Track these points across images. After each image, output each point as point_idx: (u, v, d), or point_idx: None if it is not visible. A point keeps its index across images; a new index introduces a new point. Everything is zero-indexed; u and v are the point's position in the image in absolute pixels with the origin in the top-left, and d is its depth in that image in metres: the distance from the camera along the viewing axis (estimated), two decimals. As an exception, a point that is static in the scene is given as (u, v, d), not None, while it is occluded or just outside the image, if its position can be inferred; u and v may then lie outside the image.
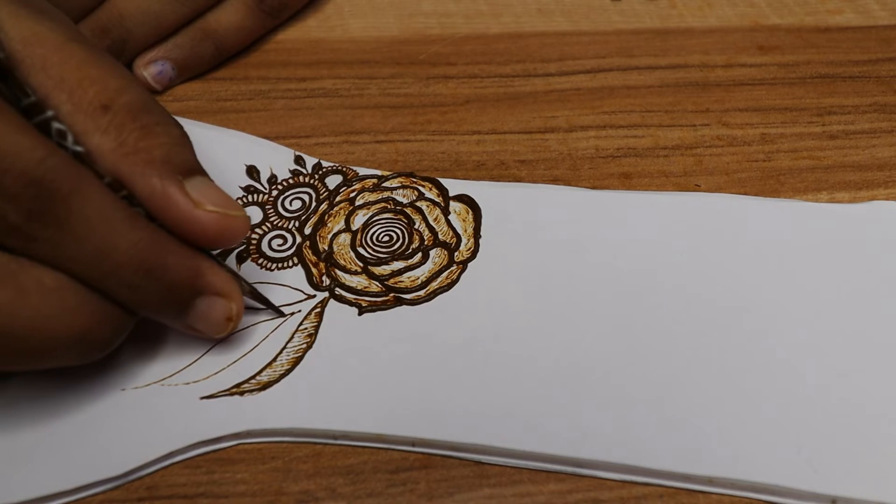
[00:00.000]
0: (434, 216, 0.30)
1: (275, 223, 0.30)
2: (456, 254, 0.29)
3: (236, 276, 0.26)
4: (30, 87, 0.23)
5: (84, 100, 0.23)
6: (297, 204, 0.31)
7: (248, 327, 0.27)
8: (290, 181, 0.31)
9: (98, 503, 0.23)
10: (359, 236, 0.30)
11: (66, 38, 0.24)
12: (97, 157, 0.23)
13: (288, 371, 0.26)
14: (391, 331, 0.27)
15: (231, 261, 0.29)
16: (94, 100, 0.23)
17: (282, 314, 0.27)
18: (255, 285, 0.27)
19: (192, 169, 0.24)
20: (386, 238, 0.29)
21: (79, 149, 0.23)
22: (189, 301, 0.24)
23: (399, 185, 0.31)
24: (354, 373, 0.26)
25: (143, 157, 0.23)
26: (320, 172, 0.32)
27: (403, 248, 0.29)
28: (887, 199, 0.31)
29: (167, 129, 0.24)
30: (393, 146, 0.33)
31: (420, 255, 0.29)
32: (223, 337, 0.26)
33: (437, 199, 0.31)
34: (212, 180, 0.25)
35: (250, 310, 0.27)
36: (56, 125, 0.22)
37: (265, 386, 0.25)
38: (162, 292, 0.23)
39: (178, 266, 0.23)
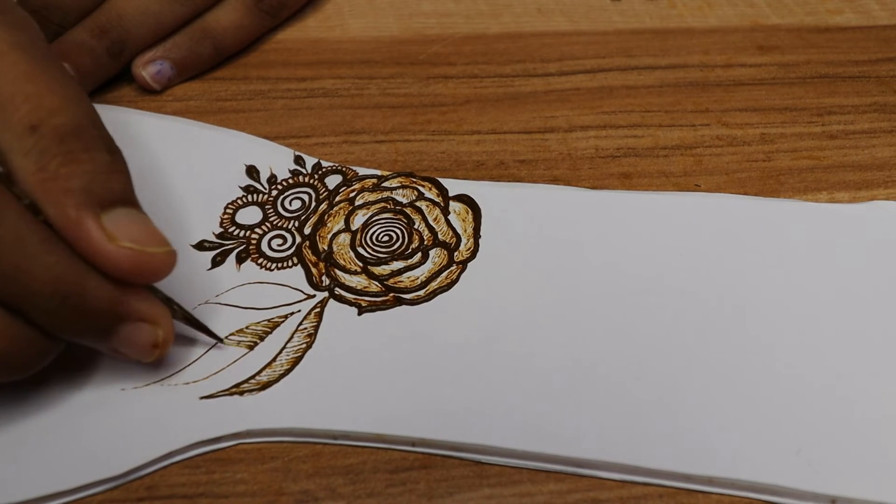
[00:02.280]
0: (434, 216, 0.30)
1: (274, 223, 0.30)
2: (455, 254, 0.29)
3: (168, 301, 0.25)
4: None
5: (14, 117, 0.22)
6: (296, 204, 0.31)
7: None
8: (290, 181, 0.31)
9: (98, 503, 0.23)
10: (358, 236, 0.30)
11: (10, 45, 0.23)
12: (17, 179, 0.22)
13: (288, 371, 0.26)
14: (391, 331, 0.27)
15: (230, 261, 0.29)
16: (24, 119, 0.22)
17: (219, 339, 0.26)
18: (191, 313, 0.26)
19: (116, 200, 0.23)
20: (385, 238, 0.29)
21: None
22: (111, 327, 0.23)
23: (399, 185, 0.31)
24: (354, 373, 0.26)
25: (62, 185, 0.22)
26: (320, 172, 0.32)
27: (403, 248, 0.29)
28: (887, 199, 0.31)
29: (94, 155, 0.23)
30: (393, 146, 0.33)
31: (420, 255, 0.29)
32: (153, 361, 0.25)
33: (436, 199, 0.31)
34: (140, 212, 0.24)
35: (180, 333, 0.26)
36: None
37: (265, 386, 0.25)
38: (80, 318, 0.22)
39: (98, 292, 0.22)
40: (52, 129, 0.22)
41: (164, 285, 0.27)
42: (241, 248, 0.29)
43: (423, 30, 0.39)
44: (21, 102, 0.22)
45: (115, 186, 0.23)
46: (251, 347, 0.26)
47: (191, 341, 0.26)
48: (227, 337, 0.26)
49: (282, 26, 0.39)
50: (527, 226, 0.29)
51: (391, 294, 0.28)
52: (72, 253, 0.22)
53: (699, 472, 0.23)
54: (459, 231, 0.30)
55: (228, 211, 0.30)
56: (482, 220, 0.30)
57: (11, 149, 0.22)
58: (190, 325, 0.26)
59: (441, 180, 0.31)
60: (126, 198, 0.23)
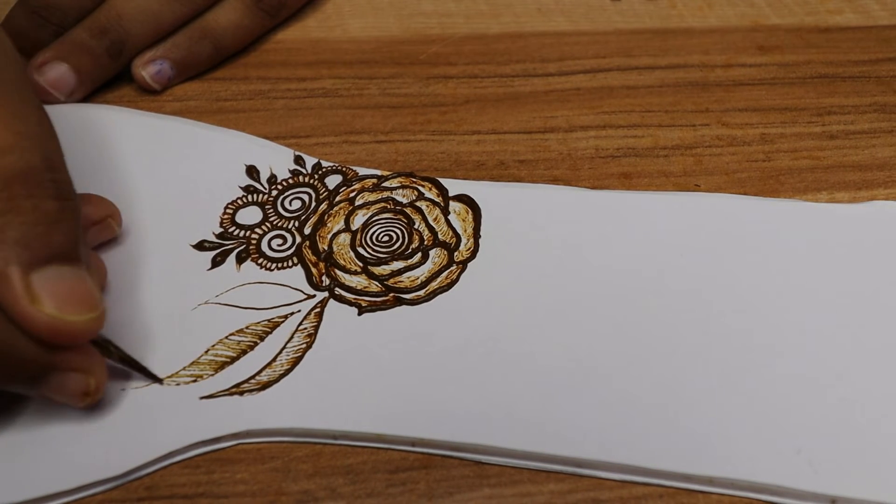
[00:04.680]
0: (434, 216, 0.30)
1: (274, 223, 0.30)
2: (456, 254, 0.29)
3: (104, 343, 0.24)
4: None
5: None
6: (296, 204, 0.31)
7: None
8: (290, 181, 0.31)
9: (98, 503, 0.23)
10: (358, 236, 0.30)
11: None
12: None
13: (288, 371, 0.26)
14: (391, 331, 0.27)
15: (230, 261, 0.29)
16: None
17: (158, 380, 0.25)
18: (127, 354, 0.25)
19: (52, 256, 0.22)
20: (386, 238, 0.29)
21: None
22: (40, 377, 0.23)
23: (399, 185, 0.31)
24: (354, 373, 0.26)
25: None
26: (320, 172, 0.32)
27: (403, 248, 0.29)
28: (887, 199, 0.31)
29: (38, 203, 0.22)
30: (393, 146, 0.33)
31: (420, 255, 0.29)
32: (83, 407, 0.24)
33: (436, 199, 0.31)
34: (76, 269, 0.22)
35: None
36: None
37: (265, 386, 0.25)
38: (8, 369, 0.22)
39: (25, 344, 0.22)
40: None
41: (162, 285, 0.28)
42: (241, 248, 0.29)
43: (424, 30, 0.39)
44: None
45: (53, 240, 0.22)
46: (251, 347, 0.26)
47: (191, 341, 0.26)
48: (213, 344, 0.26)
49: (282, 26, 0.39)
50: (527, 226, 0.29)
51: (391, 294, 0.28)
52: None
53: (699, 472, 0.23)
54: (459, 231, 0.30)
55: (228, 211, 0.30)
56: (482, 220, 0.30)
57: None
58: (127, 367, 0.25)
59: (441, 180, 0.31)
60: (63, 253, 0.22)
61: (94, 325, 0.22)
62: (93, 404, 0.24)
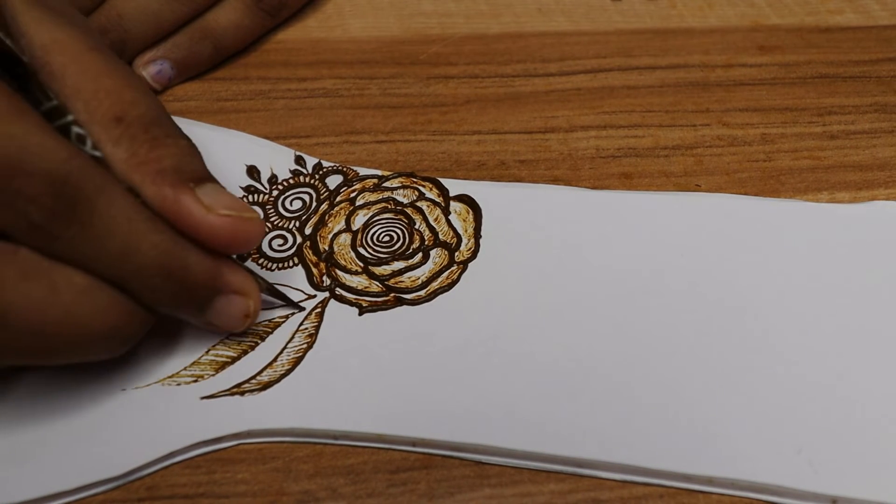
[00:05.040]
0: (434, 216, 0.30)
1: (275, 223, 0.30)
2: (456, 254, 0.29)
3: (254, 275, 0.26)
4: (51, 91, 0.23)
5: (98, 111, 0.24)
6: (297, 204, 0.31)
7: (264, 323, 0.27)
8: (291, 181, 0.31)
9: (98, 503, 0.23)
10: (359, 236, 0.30)
11: (87, 47, 0.24)
12: (111, 166, 0.23)
13: (288, 371, 0.26)
14: (391, 331, 0.27)
15: (231, 261, 0.29)
16: (108, 111, 0.24)
17: (300, 308, 0.27)
18: (272, 284, 0.27)
19: (203, 177, 0.25)
20: (386, 238, 0.29)
21: (97, 153, 0.23)
22: (208, 300, 0.25)
23: (399, 185, 0.31)
24: (355, 373, 0.26)
25: (154, 167, 0.24)
26: (321, 172, 0.32)
27: (404, 248, 0.29)
28: (887, 199, 0.31)
29: (177, 140, 0.25)
30: (393, 146, 0.33)
31: (420, 255, 0.29)
32: (243, 329, 0.26)
33: (437, 199, 0.31)
34: (223, 187, 0.25)
35: (266, 303, 0.27)
36: (76, 129, 0.23)
37: (266, 386, 0.25)
38: (182, 292, 0.24)
39: (198, 267, 0.24)
40: (136, 119, 0.24)
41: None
42: (242, 248, 0.29)
43: (424, 30, 0.39)
44: (104, 97, 0.24)
45: (199, 166, 0.25)
46: (252, 347, 0.26)
47: (191, 341, 0.26)
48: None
49: (282, 26, 0.39)
50: (527, 226, 0.29)
51: (392, 294, 0.28)
52: (174, 231, 0.24)
53: (699, 472, 0.23)
54: (460, 231, 0.30)
55: (229, 211, 0.30)
56: (483, 221, 0.30)
57: (100, 140, 0.23)
58: (272, 296, 0.27)
59: (442, 180, 0.31)
60: (210, 175, 0.25)
61: (263, 225, 0.25)
62: (250, 326, 0.26)
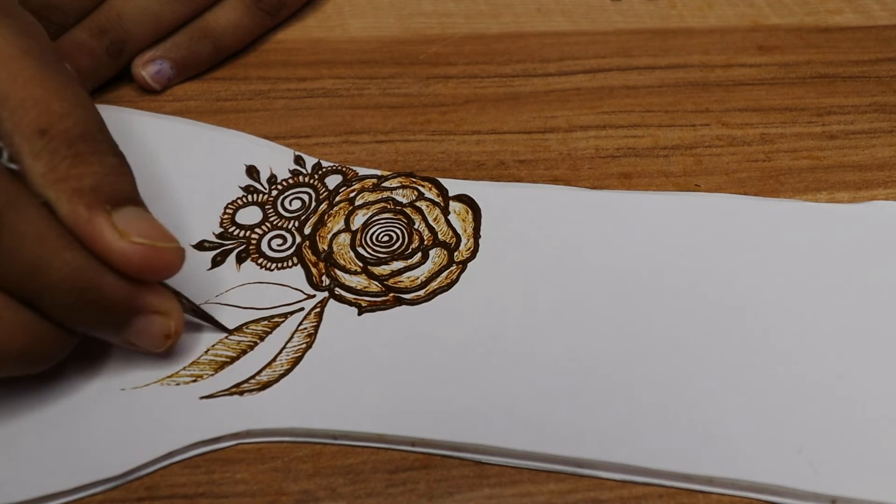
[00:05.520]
0: (434, 216, 0.30)
1: (274, 223, 0.30)
2: (455, 254, 0.29)
3: (177, 294, 0.25)
4: None
5: (23, 121, 0.23)
6: (296, 204, 0.31)
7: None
8: (290, 181, 0.31)
9: (98, 503, 0.23)
10: (358, 236, 0.30)
11: (21, 51, 0.24)
12: (29, 180, 0.23)
13: (288, 371, 0.26)
14: (391, 331, 0.27)
15: (230, 261, 0.29)
16: (33, 122, 0.23)
17: (227, 331, 0.26)
18: (204, 304, 0.27)
19: (124, 199, 0.24)
20: (385, 238, 0.29)
21: (13, 166, 0.23)
22: (125, 320, 0.24)
23: (399, 185, 0.31)
24: (354, 373, 0.26)
25: (73, 185, 0.23)
26: (320, 172, 0.32)
27: (403, 248, 0.29)
28: (887, 199, 0.31)
29: (102, 158, 0.24)
30: (393, 146, 0.33)
31: (420, 255, 0.29)
32: (163, 352, 0.25)
33: (436, 199, 0.31)
34: (147, 212, 0.24)
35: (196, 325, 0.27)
36: None
37: (265, 386, 0.25)
38: (96, 312, 0.23)
39: (113, 286, 0.23)
40: (61, 133, 0.23)
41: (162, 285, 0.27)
42: (241, 248, 0.29)
43: (424, 30, 0.39)
44: (31, 107, 0.23)
45: (123, 187, 0.24)
46: (251, 347, 0.26)
47: (191, 341, 0.26)
48: (235, 329, 0.27)
49: (282, 26, 0.39)
50: (527, 226, 0.29)
51: (391, 294, 0.28)
52: (87, 249, 0.23)
53: (699, 472, 0.23)
54: (459, 231, 0.30)
55: (228, 211, 0.30)
56: (482, 220, 0.30)
57: (21, 152, 0.23)
58: (198, 318, 0.26)
59: (441, 180, 0.31)
60: (133, 197, 0.24)
61: (179, 255, 0.24)
62: (172, 348, 0.25)
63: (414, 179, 0.31)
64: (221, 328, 0.27)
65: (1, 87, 0.23)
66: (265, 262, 0.29)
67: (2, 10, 0.24)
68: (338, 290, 0.28)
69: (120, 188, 0.24)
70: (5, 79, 0.23)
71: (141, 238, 0.23)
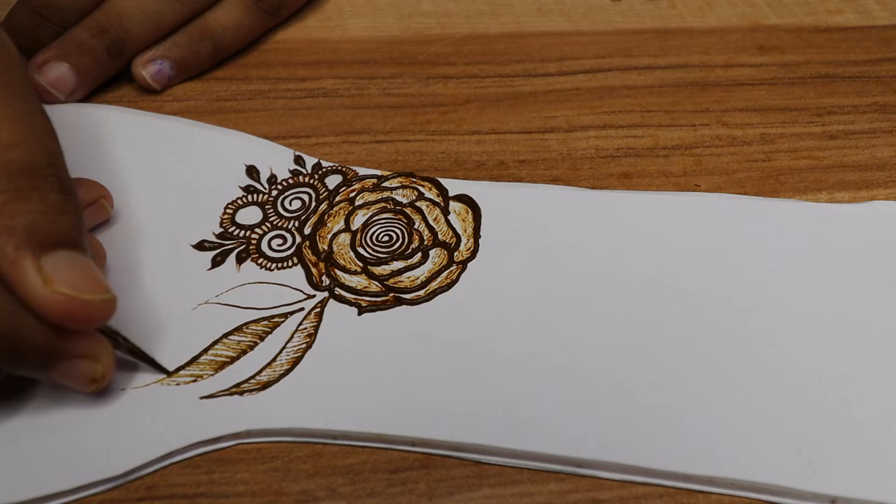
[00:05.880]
0: (434, 216, 0.30)
1: (274, 223, 0.30)
2: (456, 254, 0.29)
3: (113, 334, 0.25)
4: None
5: None
6: (296, 204, 0.31)
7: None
8: (290, 181, 0.31)
9: (98, 503, 0.23)
10: (358, 236, 0.30)
11: None
12: None
13: (288, 371, 0.26)
14: (391, 331, 0.27)
15: (230, 261, 0.29)
16: None
17: (166, 372, 0.25)
18: (137, 346, 0.26)
19: (59, 242, 0.22)
20: (385, 238, 0.29)
21: None
22: (47, 363, 0.23)
23: (399, 185, 0.31)
24: (354, 373, 0.26)
25: (5, 223, 0.22)
26: (320, 172, 0.32)
27: (403, 248, 0.29)
28: (887, 199, 0.31)
29: (43, 195, 0.22)
30: (393, 146, 0.33)
31: (420, 255, 0.29)
32: (92, 392, 0.24)
33: (436, 199, 0.31)
34: (83, 257, 0.23)
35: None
36: None
37: (265, 386, 0.25)
38: (16, 355, 0.22)
39: (34, 330, 0.22)
40: (3, 165, 0.22)
41: (162, 285, 0.28)
42: (241, 248, 0.29)
43: (423, 30, 0.39)
44: None
45: (61, 228, 0.22)
46: (251, 347, 0.26)
47: (191, 341, 0.26)
48: (234, 330, 0.26)
49: (282, 26, 0.39)
50: (527, 226, 0.29)
51: (391, 294, 0.28)
52: (9, 291, 0.22)
53: (699, 472, 0.23)
54: (459, 231, 0.30)
55: (228, 211, 0.30)
56: (482, 220, 0.30)
57: None
58: (136, 358, 0.25)
59: (441, 180, 0.31)
60: (71, 240, 0.23)
61: (107, 307, 0.23)
62: (99, 390, 0.24)
63: (414, 179, 0.31)
64: (161, 370, 0.25)
65: None
66: (265, 262, 0.29)
67: None
68: (338, 290, 0.28)
69: (57, 229, 0.22)
70: None
71: (66, 288, 0.22)
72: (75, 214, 0.23)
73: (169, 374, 0.25)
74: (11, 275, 0.22)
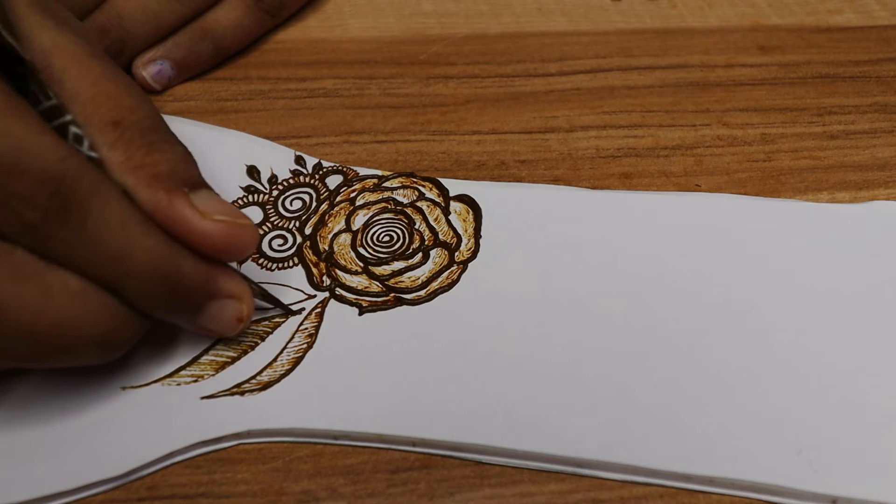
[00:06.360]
0: (434, 216, 0.30)
1: (275, 223, 0.30)
2: (456, 254, 0.29)
3: (247, 279, 0.26)
4: (51, 91, 0.23)
5: (96, 114, 0.24)
6: (297, 204, 0.31)
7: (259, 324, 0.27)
8: (291, 181, 0.31)
9: (98, 503, 0.23)
10: (359, 236, 0.30)
11: (87, 52, 0.24)
12: (106, 170, 0.23)
13: (288, 371, 0.26)
14: (391, 331, 0.27)
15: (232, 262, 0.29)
16: (106, 115, 0.24)
17: (292, 312, 0.27)
18: (263, 285, 0.27)
19: (198, 183, 0.24)
20: (386, 238, 0.29)
21: (94, 154, 0.23)
22: (202, 304, 0.24)
23: (399, 185, 0.31)
24: (355, 373, 0.26)
25: (150, 171, 0.23)
26: (321, 172, 0.32)
27: (404, 248, 0.29)
28: (887, 199, 0.31)
29: (173, 146, 0.25)
30: (393, 146, 0.33)
31: (420, 255, 0.29)
32: (236, 334, 0.26)
33: (437, 199, 0.31)
34: (217, 194, 0.25)
35: (260, 308, 0.27)
36: (73, 129, 0.23)
37: (266, 386, 0.25)
38: (176, 297, 0.24)
39: (192, 271, 0.24)
40: (134, 124, 0.24)
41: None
42: (242, 248, 0.29)
43: (424, 30, 0.39)
44: (102, 101, 0.24)
45: (194, 172, 0.25)
46: (252, 347, 0.26)
47: (191, 341, 0.26)
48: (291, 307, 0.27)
49: (282, 26, 0.39)
50: (528, 226, 0.29)
51: (392, 294, 0.28)
52: (167, 236, 0.23)
53: (700, 472, 0.23)
54: (460, 231, 0.30)
55: (229, 211, 0.30)
56: (483, 220, 0.30)
57: (96, 143, 0.23)
58: (265, 301, 0.27)
59: (442, 180, 0.31)
60: (205, 182, 0.25)
61: (256, 233, 0.25)
62: (243, 331, 0.26)
63: (414, 179, 0.31)
64: (287, 310, 0.27)
65: (73, 83, 0.24)
66: (266, 262, 0.29)
67: (62, 20, 0.25)
68: (338, 291, 0.28)
69: (192, 173, 0.25)
70: (76, 76, 0.24)
71: (221, 216, 0.24)
72: (196, 164, 0.25)
73: (294, 313, 0.27)
74: (170, 216, 0.23)
